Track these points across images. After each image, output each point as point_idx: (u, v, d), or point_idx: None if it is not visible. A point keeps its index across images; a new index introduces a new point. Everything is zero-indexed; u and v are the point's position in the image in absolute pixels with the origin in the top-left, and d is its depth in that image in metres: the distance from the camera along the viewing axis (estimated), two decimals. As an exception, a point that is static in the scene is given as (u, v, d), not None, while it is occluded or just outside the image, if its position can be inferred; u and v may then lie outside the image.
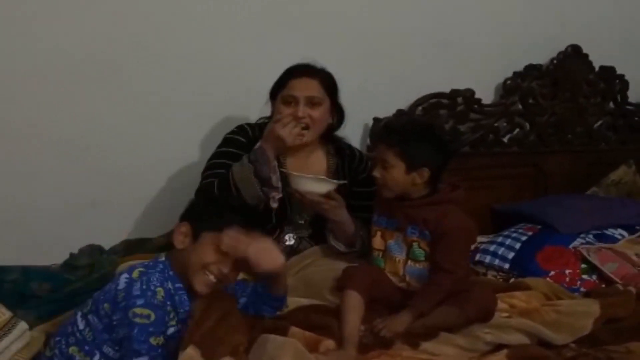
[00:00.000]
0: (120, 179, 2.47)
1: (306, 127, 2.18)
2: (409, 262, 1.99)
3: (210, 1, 2.51)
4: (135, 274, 1.65)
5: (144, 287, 1.61)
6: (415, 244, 1.98)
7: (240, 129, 2.27)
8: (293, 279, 2.11)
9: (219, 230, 1.69)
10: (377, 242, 2.05)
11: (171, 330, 1.68)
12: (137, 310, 1.58)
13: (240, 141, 2.23)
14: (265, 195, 2.11)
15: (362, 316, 1.88)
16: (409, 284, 1.99)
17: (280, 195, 2.16)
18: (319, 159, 2.31)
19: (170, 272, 1.69)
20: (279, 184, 2.14)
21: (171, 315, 1.68)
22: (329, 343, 1.80)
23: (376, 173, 2.00)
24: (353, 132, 2.80)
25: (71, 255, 2.26)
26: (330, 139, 2.33)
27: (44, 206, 2.40)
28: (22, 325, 1.89)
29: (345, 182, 2.15)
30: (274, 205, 2.15)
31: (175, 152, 2.54)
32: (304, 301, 1.97)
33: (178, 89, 2.50)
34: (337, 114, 2.31)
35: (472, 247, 2.35)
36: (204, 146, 2.49)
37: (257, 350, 1.68)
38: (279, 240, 2.21)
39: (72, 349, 1.67)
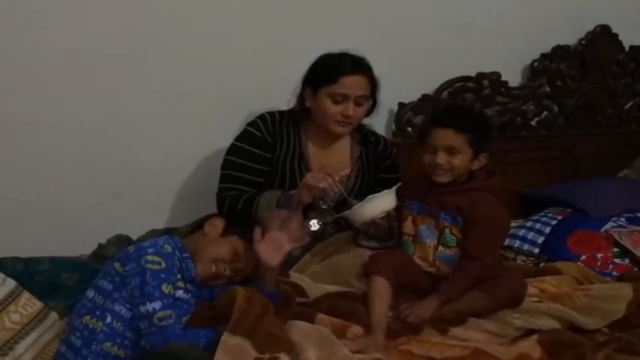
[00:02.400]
0: (145, 170, 2.49)
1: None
2: (440, 247, 1.98)
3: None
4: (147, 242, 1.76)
5: (152, 242, 1.74)
6: (447, 230, 1.97)
7: (261, 120, 2.26)
8: (318, 266, 2.12)
9: (244, 238, 1.82)
10: (408, 226, 2.03)
11: (179, 292, 1.73)
12: (149, 257, 1.67)
13: (256, 136, 2.22)
14: None
15: (389, 302, 1.88)
16: (439, 269, 1.98)
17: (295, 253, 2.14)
18: (343, 147, 2.31)
19: (179, 244, 1.78)
20: None
21: (178, 276, 1.74)
22: (356, 329, 1.80)
23: (440, 160, 1.93)
24: (378, 118, 2.77)
25: (99, 245, 2.29)
26: (357, 128, 2.31)
27: (72, 198, 2.43)
28: (53, 315, 1.93)
29: (400, 184, 2.05)
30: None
31: (198, 143, 2.55)
32: (331, 288, 1.97)
33: (200, 80, 2.51)
34: (372, 105, 2.29)
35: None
36: (227, 136, 2.48)
37: (283, 337, 1.68)
38: (303, 226, 2.20)
39: (85, 319, 1.71)
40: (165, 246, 1.72)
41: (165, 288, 1.66)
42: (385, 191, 2.01)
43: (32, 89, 2.35)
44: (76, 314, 1.75)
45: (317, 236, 2.20)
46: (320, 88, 2.17)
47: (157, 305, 1.63)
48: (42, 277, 2.08)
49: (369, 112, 2.31)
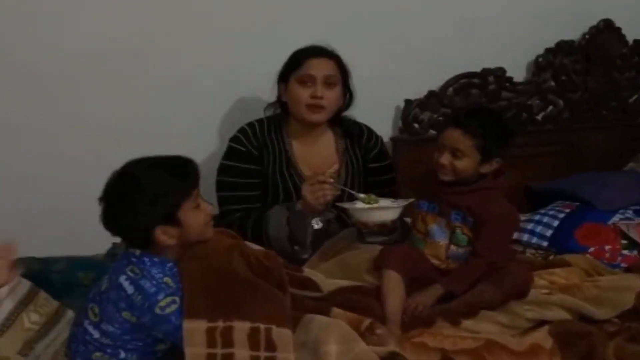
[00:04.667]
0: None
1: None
2: (452, 246, 1.99)
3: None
4: (130, 273, 1.63)
5: (154, 282, 1.61)
6: (458, 230, 1.98)
7: (242, 134, 2.27)
8: (329, 263, 2.13)
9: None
10: (419, 225, 2.05)
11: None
12: (163, 303, 1.59)
13: (241, 151, 2.24)
14: (295, 253, 2.14)
15: (403, 295, 1.90)
16: (449, 266, 2.00)
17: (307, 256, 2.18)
18: (328, 142, 2.33)
19: (156, 259, 1.66)
20: (308, 246, 2.17)
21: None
22: (372, 323, 1.81)
23: (444, 160, 1.94)
24: (384, 115, 2.81)
25: (114, 244, 2.30)
26: (339, 121, 2.33)
27: (86, 198, 2.42)
28: (70, 314, 1.94)
29: (412, 200, 2.07)
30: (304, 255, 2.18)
31: (205, 142, 2.56)
32: (343, 283, 1.99)
33: (201, 78, 2.52)
34: (347, 96, 2.32)
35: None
36: (229, 135, 2.51)
37: (301, 330, 1.69)
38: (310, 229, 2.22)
39: (96, 355, 1.67)
40: (165, 280, 1.62)
41: None
42: (396, 205, 2.03)
43: (38, 93, 2.38)
44: (80, 344, 1.69)
45: (322, 234, 2.23)
46: (290, 77, 2.21)
47: None
48: (58, 276, 2.09)
49: (347, 105, 2.32)
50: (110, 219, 1.65)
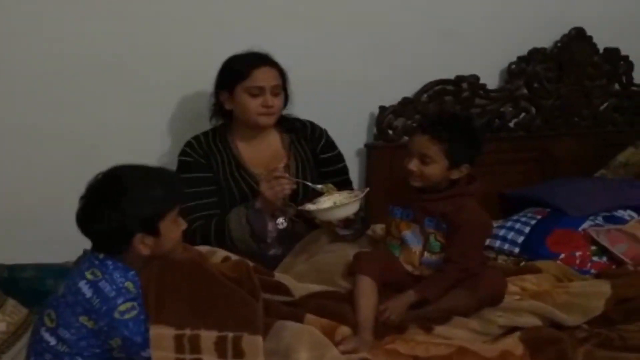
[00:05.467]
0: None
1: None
2: (426, 253, 2.00)
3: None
4: (89, 276, 1.62)
5: (114, 286, 1.60)
6: (432, 236, 1.98)
7: (188, 147, 2.32)
8: (303, 265, 2.14)
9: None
10: (393, 231, 2.05)
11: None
12: (122, 308, 1.58)
13: (189, 162, 2.29)
14: (261, 249, 2.20)
15: (376, 301, 1.89)
16: (423, 272, 2.00)
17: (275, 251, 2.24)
18: (273, 139, 2.37)
19: (119, 264, 1.65)
20: (274, 242, 2.23)
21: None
22: (344, 330, 1.82)
23: (412, 166, 1.95)
24: (359, 121, 2.82)
25: (84, 251, 2.27)
26: (280, 120, 2.36)
27: (56, 205, 2.40)
28: (39, 321, 1.91)
29: (368, 189, 2.13)
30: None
31: (178, 150, 2.54)
32: (316, 287, 1.99)
33: (181, 87, 2.52)
34: (285, 97, 2.35)
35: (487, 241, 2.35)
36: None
37: (273, 337, 1.69)
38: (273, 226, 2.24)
39: None
40: (126, 284, 1.61)
41: (145, 326, 1.61)
42: (352, 199, 2.06)
43: (15, 99, 2.35)
44: (37, 355, 1.66)
45: (287, 233, 2.26)
46: (235, 86, 2.24)
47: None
48: (27, 283, 2.07)
49: (285, 104, 2.37)
50: (89, 219, 1.62)
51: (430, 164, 1.94)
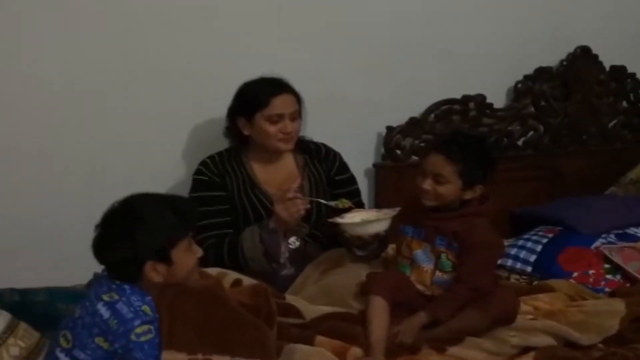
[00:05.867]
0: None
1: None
2: (437, 272, 1.98)
3: (212, 15, 2.53)
4: (106, 298, 1.62)
5: (132, 308, 1.60)
6: (443, 255, 1.97)
7: (203, 166, 2.34)
8: (313, 287, 2.13)
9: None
10: (404, 250, 2.04)
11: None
12: (139, 330, 1.58)
13: (205, 181, 2.31)
14: (274, 269, 2.21)
15: (387, 322, 1.88)
16: (434, 292, 1.99)
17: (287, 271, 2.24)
18: (287, 160, 2.39)
19: (136, 289, 1.64)
20: (286, 262, 2.23)
21: None
22: (356, 351, 1.80)
23: (427, 186, 1.94)
24: (367, 142, 2.82)
25: (95, 275, 2.27)
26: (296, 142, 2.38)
27: (66, 228, 2.42)
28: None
29: (399, 208, 2.11)
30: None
31: (190, 166, 2.55)
32: (327, 309, 1.98)
33: (180, 105, 2.53)
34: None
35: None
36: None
37: (284, 360, 1.68)
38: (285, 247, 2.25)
39: None
40: (143, 308, 1.61)
41: (159, 349, 1.61)
42: (383, 216, 2.07)
43: (25, 121, 2.36)
44: None
45: (299, 253, 2.26)
46: (255, 114, 2.27)
47: None
48: (39, 307, 2.06)
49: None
50: (105, 247, 1.63)
51: (444, 184, 1.93)
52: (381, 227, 2.07)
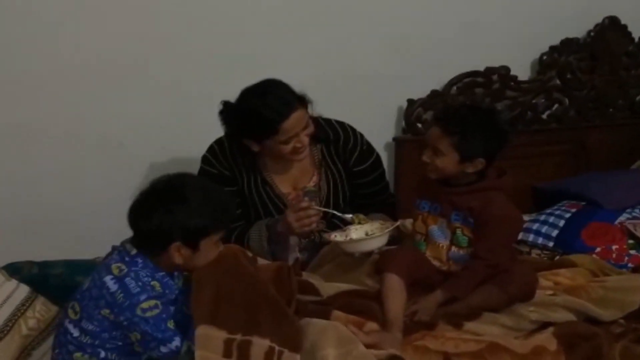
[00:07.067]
0: (154, 173, 2.49)
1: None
2: (453, 247, 1.96)
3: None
4: (115, 271, 1.64)
5: (139, 283, 1.62)
6: (459, 231, 1.94)
7: (211, 154, 2.21)
8: (329, 265, 2.12)
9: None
10: (419, 226, 2.02)
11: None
12: (145, 305, 1.60)
13: (213, 174, 2.19)
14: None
15: (404, 299, 1.86)
16: (451, 268, 1.97)
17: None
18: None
19: (151, 265, 1.67)
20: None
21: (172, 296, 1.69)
22: (372, 325, 1.80)
23: (425, 158, 1.91)
24: (387, 115, 2.79)
25: (113, 248, 2.29)
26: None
27: (85, 202, 2.45)
28: (69, 318, 1.93)
29: (398, 223, 2.05)
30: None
31: (204, 147, 2.55)
32: (344, 286, 1.97)
33: (207, 82, 2.50)
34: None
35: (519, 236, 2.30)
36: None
37: (299, 334, 1.67)
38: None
39: (76, 355, 1.67)
40: (152, 283, 1.63)
41: (170, 324, 1.63)
42: (379, 233, 2.01)
43: (42, 100, 2.38)
44: (61, 346, 1.69)
45: (314, 245, 2.23)
46: (264, 140, 2.09)
47: (176, 342, 1.63)
48: (57, 280, 2.08)
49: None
50: (141, 214, 1.65)
51: (440, 156, 1.90)
52: (375, 245, 2.01)
